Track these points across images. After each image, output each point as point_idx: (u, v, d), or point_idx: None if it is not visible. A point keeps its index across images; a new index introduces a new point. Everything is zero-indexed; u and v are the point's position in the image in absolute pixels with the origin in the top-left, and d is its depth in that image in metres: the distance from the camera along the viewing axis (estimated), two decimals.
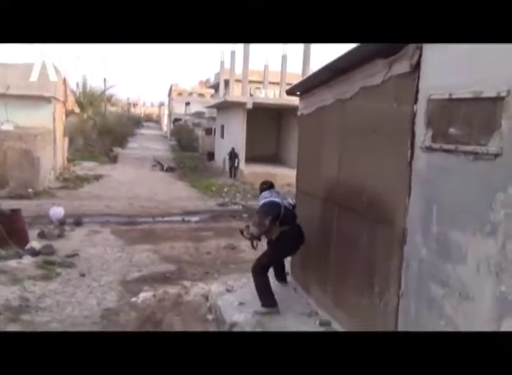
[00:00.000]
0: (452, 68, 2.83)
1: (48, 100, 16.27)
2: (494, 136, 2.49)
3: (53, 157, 17.13)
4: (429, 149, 2.96)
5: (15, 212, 8.35)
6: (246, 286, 5.33)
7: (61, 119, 19.40)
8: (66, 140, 21.41)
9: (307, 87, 5.03)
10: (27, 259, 7.24)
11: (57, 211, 10.98)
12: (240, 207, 14.35)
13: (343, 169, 4.31)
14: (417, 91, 3.09)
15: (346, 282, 4.11)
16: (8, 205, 12.51)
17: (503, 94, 2.43)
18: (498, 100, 2.46)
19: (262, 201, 4.85)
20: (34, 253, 7.90)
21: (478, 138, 2.59)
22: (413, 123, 3.13)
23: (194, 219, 12.16)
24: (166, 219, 12.10)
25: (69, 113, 29.26)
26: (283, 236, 4.71)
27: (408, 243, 3.20)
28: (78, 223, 10.83)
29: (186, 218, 12.16)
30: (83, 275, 6.63)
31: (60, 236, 9.54)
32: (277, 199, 4.80)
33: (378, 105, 3.63)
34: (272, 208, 4.68)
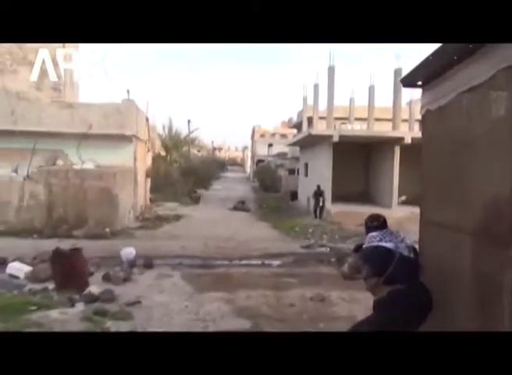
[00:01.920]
0: None
1: (129, 139, 16.00)
2: None
3: (133, 196, 16.73)
4: None
5: (74, 253, 7.42)
6: None
7: (143, 158, 19.22)
8: (149, 180, 21.21)
9: (436, 68, 3.39)
10: (78, 308, 6.13)
11: (128, 252, 10.05)
12: (328, 250, 12.62)
13: None
14: None
15: None
16: (82, 245, 11.99)
17: None
18: None
19: (367, 245, 3.62)
20: (91, 299, 6.80)
21: None
22: None
23: (276, 263, 10.61)
24: (244, 262, 10.69)
25: (155, 156, 29.93)
26: (394, 298, 3.26)
27: None
28: (148, 265, 9.78)
29: (267, 261, 10.67)
30: None
31: (126, 279, 8.47)
32: (388, 244, 3.43)
33: None
34: (374, 257, 3.44)
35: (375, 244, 3.48)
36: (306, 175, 24.13)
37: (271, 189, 34.74)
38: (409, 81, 3.96)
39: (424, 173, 4.11)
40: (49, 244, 10.29)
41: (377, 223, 3.68)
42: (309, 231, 15.40)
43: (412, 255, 3.44)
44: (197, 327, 5.63)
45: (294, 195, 26.63)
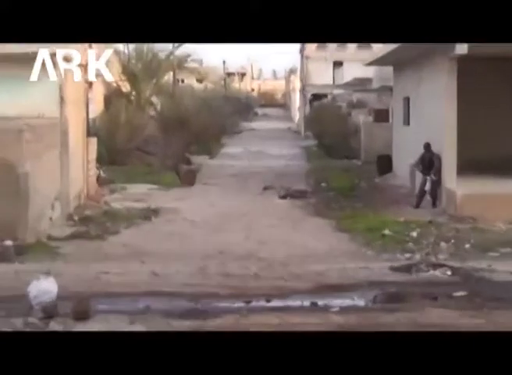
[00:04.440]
0: None
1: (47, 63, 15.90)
2: None
3: (61, 174, 16.73)
4: None
5: None
6: None
7: (78, 100, 19.22)
8: (94, 142, 21.20)
9: None
10: None
11: (42, 289, 9.96)
12: (449, 273, 12.36)
13: None
14: None
15: None
16: None
17: None
18: None
19: None
20: None
21: None
22: None
23: (338, 302, 10.55)
24: (275, 304, 10.56)
25: (109, 94, 30.16)
26: None
27: None
28: (83, 313, 9.58)
29: (321, 301, 10.51)
30: None
31: None
32: None
33: None
34: None
35: None
36: (407, 122, 23.93)
37: (339, 151, 34.91)
38: None
39: None
40: None
41: None
42: (411, 236, 15.23)
43: None
44: None
45: (385, 163, 26.62)
